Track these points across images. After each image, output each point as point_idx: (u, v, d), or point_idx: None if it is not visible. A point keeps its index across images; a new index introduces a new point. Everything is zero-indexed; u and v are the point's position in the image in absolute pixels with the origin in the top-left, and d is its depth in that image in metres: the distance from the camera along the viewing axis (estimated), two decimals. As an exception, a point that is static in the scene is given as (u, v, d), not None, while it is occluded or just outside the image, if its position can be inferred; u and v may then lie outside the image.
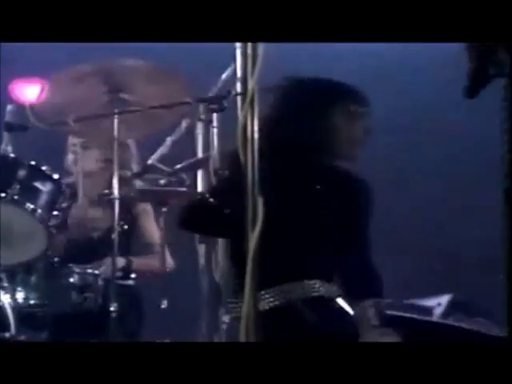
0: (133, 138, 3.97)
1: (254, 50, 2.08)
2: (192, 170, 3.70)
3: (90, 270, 3.65)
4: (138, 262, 3.92)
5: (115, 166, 3.51)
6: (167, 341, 3.38)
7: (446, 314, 2.84)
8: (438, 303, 2.85)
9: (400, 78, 5.03)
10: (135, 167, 4.00)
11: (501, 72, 1.96)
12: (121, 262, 3.72)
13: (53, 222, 3.51)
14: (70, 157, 4.06)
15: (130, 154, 4.05)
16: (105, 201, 3.74)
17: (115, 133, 3.50)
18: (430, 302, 2.90)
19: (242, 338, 1.95)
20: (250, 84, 2.06)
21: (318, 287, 2.72)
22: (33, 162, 3.52)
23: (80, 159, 3.95)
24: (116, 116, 3.51)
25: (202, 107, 3.55)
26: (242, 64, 2.13)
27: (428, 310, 2.87)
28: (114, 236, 3.45)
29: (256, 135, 2.05)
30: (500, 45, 1.93)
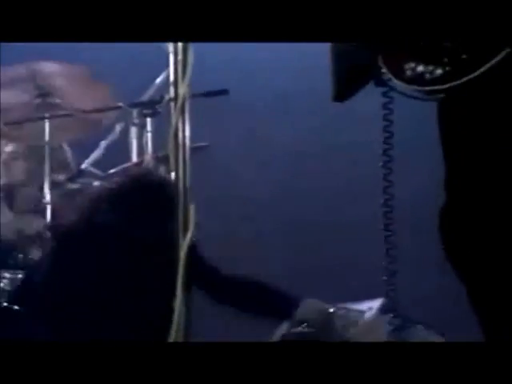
0: (65, 141, 3.93)
1: (185, 55, 2.07)
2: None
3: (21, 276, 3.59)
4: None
5: (47, 171, 3.47)
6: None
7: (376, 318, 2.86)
8: (370, 307, 2.87)
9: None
10: (70, 171, 3.95)
11: (372, 78, 1.90)
12: None
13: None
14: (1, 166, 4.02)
15: (64, 159, 4.00)
16: (37, 207, 3.69)
17: (46, 137, 3.47)
18: (362, 306, 2.92)
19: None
20: (181, 90, 2.05)
21: None
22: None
23: (9, 169, 3.92)
24: (47, 120, 3.47)
25: (135, 112, 3.53)
26: (173, 69, 2.11)
27: (360, 314, 2.89)
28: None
29: (187, 141, 2.04)
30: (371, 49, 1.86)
